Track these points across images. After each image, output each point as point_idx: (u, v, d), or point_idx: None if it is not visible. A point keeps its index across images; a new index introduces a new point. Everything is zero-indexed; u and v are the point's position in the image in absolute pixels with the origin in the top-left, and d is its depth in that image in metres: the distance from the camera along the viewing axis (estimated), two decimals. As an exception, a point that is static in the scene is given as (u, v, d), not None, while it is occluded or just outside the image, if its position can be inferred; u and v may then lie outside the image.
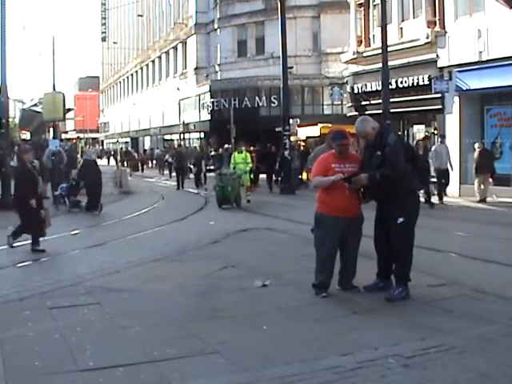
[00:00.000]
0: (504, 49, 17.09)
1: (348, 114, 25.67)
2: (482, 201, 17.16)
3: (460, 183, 19.23)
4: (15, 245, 9.90)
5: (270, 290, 6.82)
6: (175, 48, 49.63)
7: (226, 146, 27.79)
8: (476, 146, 17.84)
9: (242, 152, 18.18)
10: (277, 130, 25.20)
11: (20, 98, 73.61)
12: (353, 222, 6.40)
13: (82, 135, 74.42)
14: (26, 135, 64.23)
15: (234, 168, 17.47)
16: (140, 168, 40.47)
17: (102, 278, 7.70)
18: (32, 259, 9.01)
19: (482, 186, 17.37)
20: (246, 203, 17.03)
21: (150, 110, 55.15)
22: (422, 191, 15.89)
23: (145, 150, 50.75)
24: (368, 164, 6.35)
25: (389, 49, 18.76)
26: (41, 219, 9.87)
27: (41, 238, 9.79)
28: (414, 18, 21.50)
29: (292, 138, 24.06)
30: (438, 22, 20.05)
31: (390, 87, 19.55)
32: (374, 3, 23.27)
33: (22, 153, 10.37)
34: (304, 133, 28.58)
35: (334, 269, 6.52)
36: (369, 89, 23.32)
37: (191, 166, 26.70)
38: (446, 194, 17.62)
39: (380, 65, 18.86)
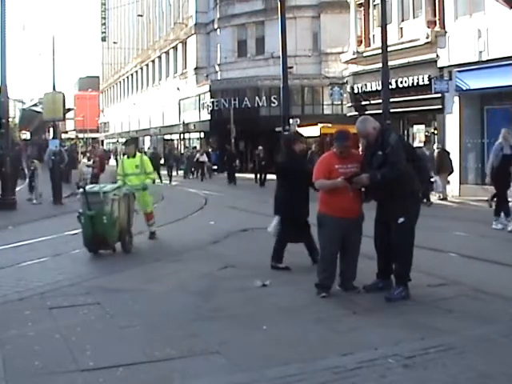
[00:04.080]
0: (504, 49, 17.09)
1: (348, 114, 25.66)
2: (444, 199, 17.76)
3: (460, 183, 19.25)
4: None
5: (270, 289, 6.82)
6: (175, 48, 49.60)
7: (314, 146, 22.72)
8: (435, 146, 18.34)
9: (134, 156, 10.93)
10: (277, 129, 25.18)
11: (20, 97, 73.64)
12: (355, 222, 6.43)
13: (81, 135, 74.58)
14: (26, 135, 64.34)
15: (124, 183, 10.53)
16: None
17: (102, 278, 7.70)
18: (32, 259, 8.99)
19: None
20: (147, 240, 10.78)
21: (150, 110, 55.09)
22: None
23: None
24: (369, 164, 6.35)
25: (389, 49, 18.74)
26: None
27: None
28: (413, 18, 21.50)
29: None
30: (438, 22, 20.06)
31: (390, 87, 19.53)
32: (374, 3, 23.26)
33: (290, 140, 8.18)
34: (304, 133, 28.52)
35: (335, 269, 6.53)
36: (369, 89, 23.32)
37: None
38: None
39: (380, 65, 18.84)
